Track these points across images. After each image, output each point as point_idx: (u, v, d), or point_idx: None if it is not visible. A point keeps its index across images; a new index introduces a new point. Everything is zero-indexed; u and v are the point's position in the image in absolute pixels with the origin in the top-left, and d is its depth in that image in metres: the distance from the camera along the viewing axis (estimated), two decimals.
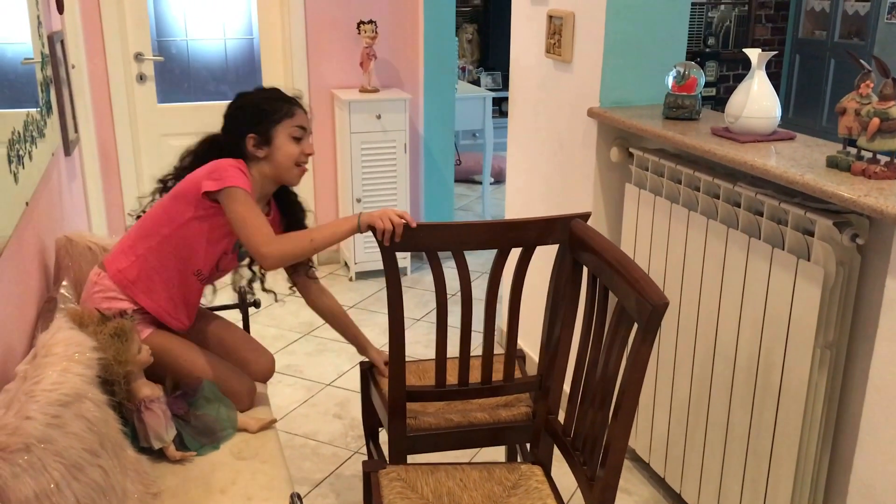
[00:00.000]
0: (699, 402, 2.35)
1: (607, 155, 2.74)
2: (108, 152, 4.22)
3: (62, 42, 2.86)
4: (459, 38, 7.64)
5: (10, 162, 1.74)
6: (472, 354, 2.16)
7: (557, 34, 2.90)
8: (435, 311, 3.52)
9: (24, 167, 1.87)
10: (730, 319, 2.20)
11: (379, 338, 3.78)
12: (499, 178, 6.48)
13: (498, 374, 2.17)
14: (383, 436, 2.23)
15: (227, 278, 2.39)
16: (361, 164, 4.29)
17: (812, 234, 1.92)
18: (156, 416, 1.78)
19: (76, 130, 3.01)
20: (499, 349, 3.56)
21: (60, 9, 2.96)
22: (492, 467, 1.93)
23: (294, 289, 2.39)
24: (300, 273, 2.35)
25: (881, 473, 1.77)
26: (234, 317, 2.57)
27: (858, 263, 1.90)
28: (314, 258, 2.39)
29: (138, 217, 2.20)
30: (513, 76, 3.40)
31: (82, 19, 3.94)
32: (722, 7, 7.83)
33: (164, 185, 2.20)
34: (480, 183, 5.89)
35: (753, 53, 2.23)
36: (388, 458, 2.08)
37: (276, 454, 1.88)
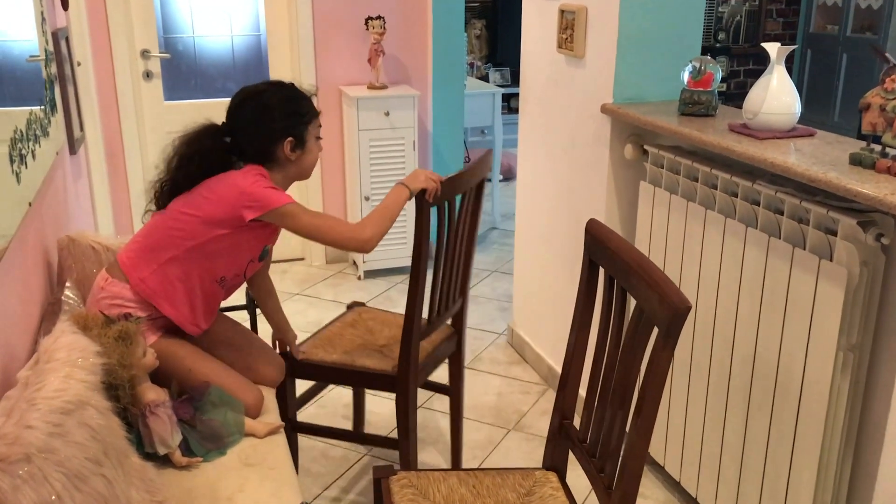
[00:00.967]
0: (716, 405, 2.30)
1: (621, 152, 2.68)
2: (114, 150, 4.18)
3: (67, 39, 2.82)
4: (468, 34, 7.58)
5: (12, 161, 1.70)
6: None
7: (569, 29, 2.84)
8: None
9: (26, 167, 1.83)
10: (749, 321, 2.14)
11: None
12: (508, 176, 6.43)
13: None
14: None
15: None
16: (370, 162, 4.24)
17: (835, 234, 1.86)
18: (161, 421, 1.74)
19: (81, 129, 2.97)
20: (510, 352, 3.54)
21: (65, 5, 2.92)
22: (505, 473, 1.88)
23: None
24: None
25: None
26: (242, 317, 2.53)
27: (883, 264, 1.84)
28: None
29: (157, 197, 2.07)
30: (524, 72, 3.35)
31: (88, 16, 3.90)
32: (732, 2, 7.75)
33: (168, 186, 2.05)
34: (490, 180, 5.84)
35: (772, 48, 2.17)
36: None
37: (285, 460, 1.83)
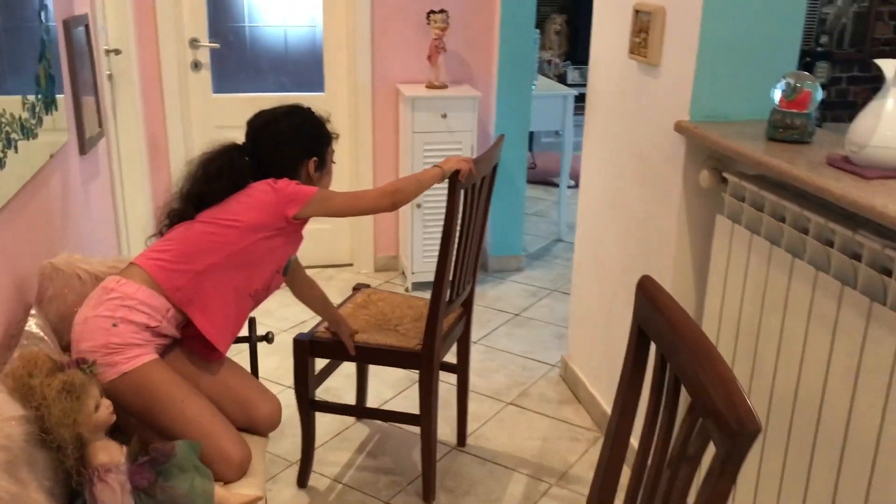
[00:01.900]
0: (794, 492, 1.90)
1: (696, 178, 2.30)
2: (158, 144, 3.98)
3: (87, 27, 2.59)
4: (547, 30, 7.19)
5: None
6: None
7: (644, 32, 2.46)
8: (491, 334, 3.15)
9: None
10: (839, 399, 1.74)
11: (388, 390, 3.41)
12: (578, 182, 6.02)
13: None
14: None
15: None
16: (423, 166, 3.92)
17: None
18: (109, 491, 1.47)
19: (100, 125, 2.74)
20: (562, 388, 3.09)
21: None
22: None
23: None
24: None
25: None
26: (241, 347, 2.25)
27: None
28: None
29: (166, 226, 2.04)
30: (592, 77, 2.98)
31: (133, 2, 3.69)
32: (839, 2, 7.13)
33: (195, 199, 2.02)
34: (558, 185, 5.45)
35: (888, 65, 1.76)
36: None
37: None
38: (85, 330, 1.82)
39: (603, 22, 2.85)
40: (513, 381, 3.28)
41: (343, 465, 2.75)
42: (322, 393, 3.04)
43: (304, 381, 2.46)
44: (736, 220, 2.13)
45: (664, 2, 2.35)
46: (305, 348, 2.44)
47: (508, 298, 4.09)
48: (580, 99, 6.39)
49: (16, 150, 1.79)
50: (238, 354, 2.30)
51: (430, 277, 4.09)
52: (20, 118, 1.85)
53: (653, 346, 1.39)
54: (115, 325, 1.81)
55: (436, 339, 2.37)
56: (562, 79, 6.89)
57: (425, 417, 2.45)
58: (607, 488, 1.51)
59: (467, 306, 2.72)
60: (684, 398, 1.26)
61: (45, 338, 1.69)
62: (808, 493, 1.85)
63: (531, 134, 4.97)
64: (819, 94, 2.04)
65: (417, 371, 2.44)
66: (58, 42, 2.25)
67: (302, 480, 2.61)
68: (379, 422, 2.97)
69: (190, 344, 1.99)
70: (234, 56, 4.11)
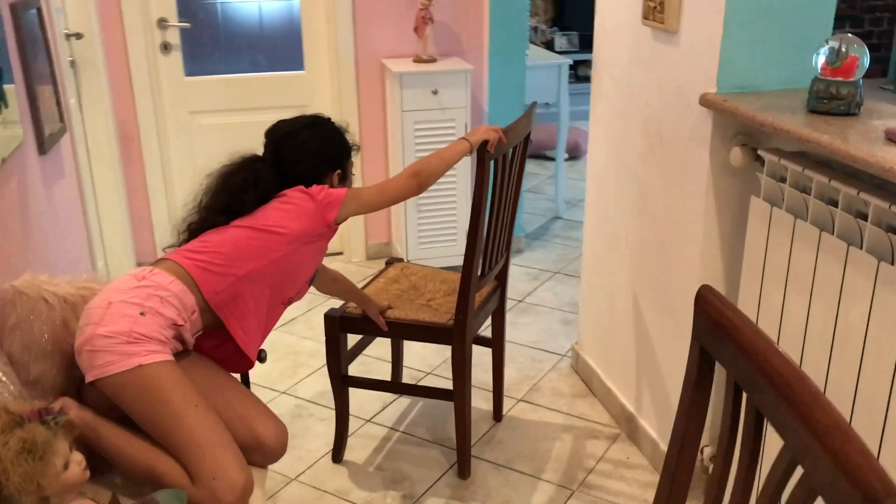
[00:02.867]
0: None
1: (726, 157, 2.08)
2: (129, 134, 3.72)
3: (38, 10, 2.32)
4: None
5: None
6: None
7: None
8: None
9: None
10: None
11: (420, 363, 3.20)
12: (574, 154, 5.80)
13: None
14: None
15: None
16: (415, 147, 3.69)
17: None
18: None
19: (62, 119, 2.48)
20: (574, 380, 2.91)
21: None
22: None
23: None
24: None
25: None
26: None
27: None
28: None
29: (194, 229, 1.98)
30: (598, 44, 2.74)
31: None
32: None
33: (218, 213, 1.97)
34: (553, 159, 5.22)
35: None
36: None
37: None
38: (107, 314, 1.67)
39: None
40: (522, 374, 3.08)
41: (379, 441, 2.71)
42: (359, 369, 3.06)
43: (337, 356, 2.46)
44: (775, 203, 1.92)
45: None
46: (336, 324, 2.42)
47: (510, 283, 3.86)
48: (572, 68, 6.16)
49: None
50: None
51: (430, 263, 3.92)
52: None
53: (717, 367, 1.18)
54: (142, 314, 1.70)
55: (468, 314, 2.33)
56: (549, 46, 6.64)
57: (459, 393, 2.41)
58: None
59: (502, 279, 2.67)
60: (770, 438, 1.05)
61: (3, 378, 1.45)
62: None
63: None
64: (867, 60, 1.82)
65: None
66: (3, 28, 1.99)
67: (336, 455, 2.60)
68: (414, 398, 2.95)
69: (212, 353, 1.91)
70: (206, 36, 3.83)
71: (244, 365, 1.96)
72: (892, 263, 1.58)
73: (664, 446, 2.44)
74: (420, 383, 3.04)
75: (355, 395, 2.79)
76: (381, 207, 2.13)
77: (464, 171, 3.78)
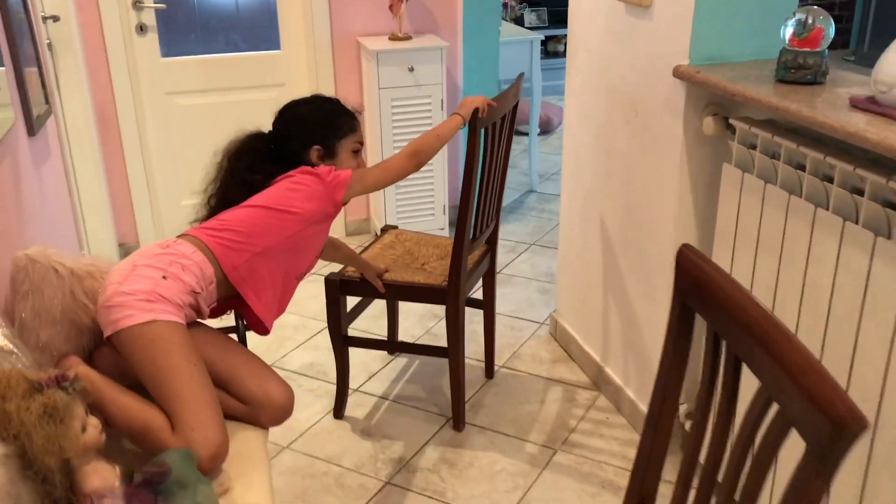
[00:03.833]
0: None
1: (698, 126, 2.17)
2: (106, 116, 3.73)
3: None
4: None
5: None
6: None
7: None
8: (474, 295, 3.02)
9: None
10: (872, 355, 1.66)
11: (415, 326, 3.29)
12: (546, 129, 5.88)
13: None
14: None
15: None
16: (392, 124, 3.74)
17: None
18: None
19: (47, 101, 2.51)
20: (554, 346, 3.02)
21: None
22: None
23: None
24: None
25: None
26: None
27: None
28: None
29: (212, 208, 2.10)
30: (572, 21, 2.81)
31: None
32: None
33: (233, 191, 2.09)
34: (527, 134, 5.30)
35: None
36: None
37: None
38: (131, 276, 1.78)
39: None
40: (503, 342, 3.17)
41: (377, 398, 2.86)
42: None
43: (337, 318, 2.59)
44: (746, 169, 2.01)
45: None
46: (336, 286, 2.56)
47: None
48: (543, 43, 6.22)
49: None
50: None
51: None
52: None
53: (697, 318, 1.27)
54: (164, 278, 1.81)
55: (461, 275, 2.46)
56: (518, 22, 6.70)
57: (453, 350, 2.55)
58: (649, 483, 1.40)
59: (492, 244, 2.82)
60: (746, 381, 1.14)
61: (16, 350, 1.51)
62: None
63: None
64: (832, 30, 1.92)
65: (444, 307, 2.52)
66: None
67: (338, 412, 2.74)
68: (409, 359, 3.09)
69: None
70: (182, 16, 3.85)
71: (260, 332, 2.09)
72: (857, 223, 1.68)
73: (643, 405, 2.55)
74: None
75: (352, 357, 2.91)
76: (384, 186, 2.23)
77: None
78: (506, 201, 4.63)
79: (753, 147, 1.98)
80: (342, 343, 2.65)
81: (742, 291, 1.16)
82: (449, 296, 2.49)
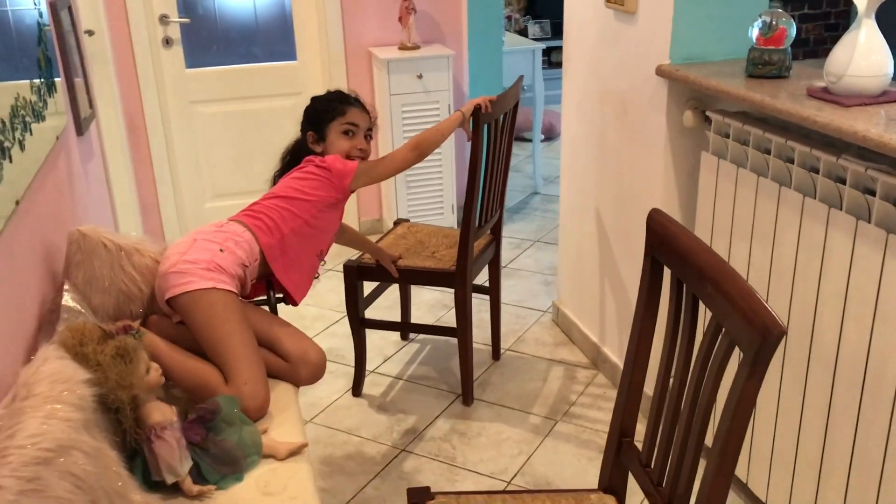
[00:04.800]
0: (790, 408, 2.05)
1: (679, 119, 2.41)
2: (135, 123, 3.99)
3: (70, 8, 2.60)
4: None
5: None
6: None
7: None
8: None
9: (11, 160, 1.63)
10: (830, 317, 1.88)
11: (426, 315, 3.53)
12: (549, 135, 6.13)
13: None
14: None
15: None
16: (403, 128, 3.99)
17: None
18: (168, 446, 1.55)
19: (91, 106, 2.77)
20: (556, 332, 3.28)
21: None
22: (557, 497, 1.66)
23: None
24: None
25: None
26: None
27: None
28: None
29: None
30: (567, 28, 3.06)
31: None
32: None
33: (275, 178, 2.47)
34: (530, 140, 5.54)
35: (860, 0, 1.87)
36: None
37: (308, 488, 1.63)
38: (193, 248, 2.04)
39: None
40: (508, 329, 3.40)
41: (392, 378, 3.10)
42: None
43: (355, 302, 2.83)
44: (721, 155, 2.25)
45: None
46: (353, 272, 2.80)
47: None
48: (546, 53, 6.48)
49: (31, 133, 1.84)
50: None
51: None
52: (31, 102, 1.89)
53: (666, 272, 1.50)
54: (221, 251, 2.05)
55: (468, 260, 2.69)
56: (522, 33, 6.96)
57: (462, 330, 2.78)
58: (629, 417, 1.62)
59: (496, 233, 3.03)
60: (702, 316, 1.37)
61: (83, 311, 1.75)
62: (807, 400, 1.99)
63: None
64: (793, 30, 2.15)
65: (452, 293, 2.78)
66: (50, 25, 2.27)
67: (356, 390, 2.97)
68: (420, 344, 3.34)
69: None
70: (205, 30, 4.12)
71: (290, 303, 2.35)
72: (815, 197, 1.91)
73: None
74: (422, 335, 3.37)
75: (368, 343, 3.10)
76: (390, 176, 2.46)
77: (449, 149, 4.09)
78: (511, 202, 4.87)
79: (727, 136, 2.21)
80: (360, 325, 2.89)
81: (698, 242, 1.40)
82: (458, 278, 2.72)
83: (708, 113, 2.29)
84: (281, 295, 2.31)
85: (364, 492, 2.48)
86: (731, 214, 2.22)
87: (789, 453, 2.07)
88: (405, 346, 3.31)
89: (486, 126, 2.62)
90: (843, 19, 7.47)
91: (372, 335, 3.26)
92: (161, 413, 1.59)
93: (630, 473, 1.64)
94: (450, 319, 3.45)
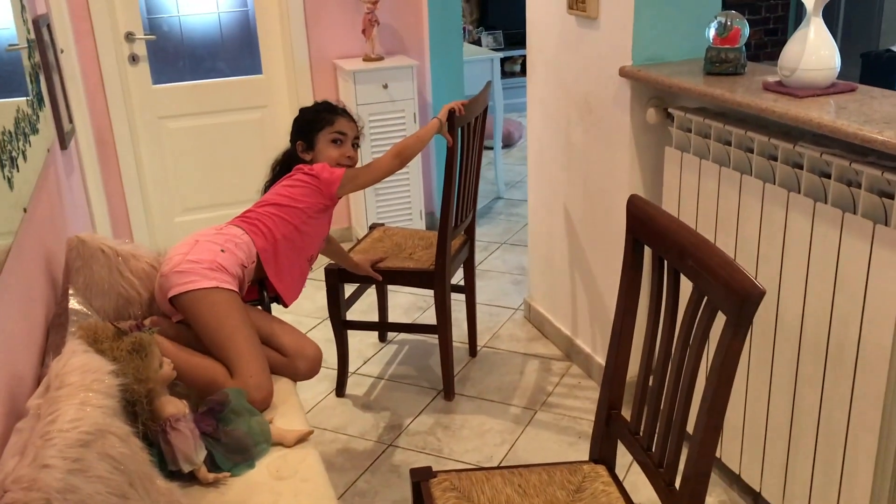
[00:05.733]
0: (759, 383, 2.19)
1: (643, 117, 2.55)
2: (104, 139, 4.02)
3: (49, 26, 2.66)
4: None
5: (2, 166, 1.56)
6: None
7: None
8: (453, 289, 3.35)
9: (18, 169, 1.69)
10: (794, 293, 2.03)
11: (402, 317, 3.62)
12: (508, 142, 6.27)
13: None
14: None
15: None
16: (370, 137, 4.09)
17: (891, 197, 1.74)
18: (183, 437, 1.62)
19: (71, 120, 2.82)
20: (528, 327, 3.41)
21: None
22: (551, 469, 1.77)
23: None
24: None
25: None
26: None
27: None
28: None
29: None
30: (530, 36, 3.19)
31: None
32: None
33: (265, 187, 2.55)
34: (491, 148, 5.68)
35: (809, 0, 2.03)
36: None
37: (318, 471, 1.72)
38: (195, 248, 2.13)
39: None
40: (482, 326, 3.51)
41: (374, 378, 3.19)
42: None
43: (337, 304, 2.94)
44: (684, 149, 2.39)
45: None
46: (335, 275, 2.91)
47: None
48: (501, 63, 6.64)
49: (30, 145, 1.90)
50: None
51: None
52: (28, 115, 1.95)
53: (646, 251, 1.63)
54: (223, 252, 2.14)
55: (446, 258, 2.80)
56: (476, 44, 7.10)
57: (441, 326, 2.88)
58: (616, 388, 1.74)
59: (470, 233, 3.16)
60: (683, 288, 1.50)
61: (90, 313, 1.82)
62: (774, 378, 2.13)
63: None
64: (747, 30, 2.31)
65: (426, 296, 2.90)
66: (36, 40, 2.33)
67: (340, 390, 3.06)
68: (398, 345, 3.44)
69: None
70: (171, 46, 4.17)
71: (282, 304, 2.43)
72: (774, 183, 2.06)
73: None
74: (401, 334, 3.45)
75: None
76: (375, 182, 2.54)
77: (417, 156, 4.19)
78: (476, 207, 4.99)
79: (689, 130, 2.36)
80: (342, 326, 2.98)
81: (676, 222, 1.53)
82: (436, 277, 2.83)
83: (670, 110, 2.43)
84: (273, 295, 2.39)
85: (356, 485, 2.56)
86: (695, 205, 2.36)
87: (759, 425, 2.21)
88: (384, 348, 3.39)
89: (459, 129, 2.73)
90: (781, 24, 7.79)
91: (350, 338, 3.34)
92: (174, 406, 1.66)
93: (620, 443, 1.75)
94: (426, 320, 3.55)
